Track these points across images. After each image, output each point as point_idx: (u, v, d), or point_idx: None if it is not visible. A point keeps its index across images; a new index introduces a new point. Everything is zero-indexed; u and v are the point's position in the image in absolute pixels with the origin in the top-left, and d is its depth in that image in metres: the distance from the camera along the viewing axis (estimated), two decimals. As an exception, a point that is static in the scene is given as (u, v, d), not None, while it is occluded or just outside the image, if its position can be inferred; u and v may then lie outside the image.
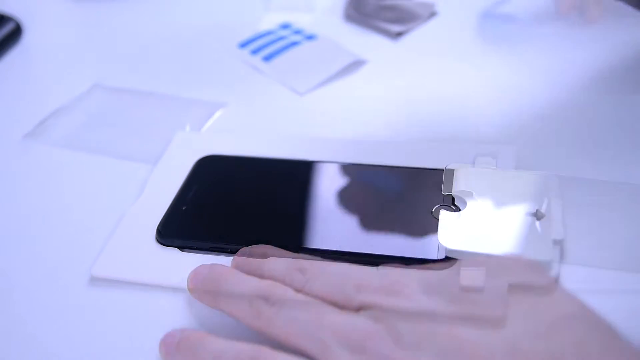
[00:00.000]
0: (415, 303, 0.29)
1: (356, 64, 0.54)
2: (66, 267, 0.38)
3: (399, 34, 0.58)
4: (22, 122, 0.51)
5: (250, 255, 0.34)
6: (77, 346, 0.33)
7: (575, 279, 0.33)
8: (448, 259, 0.34)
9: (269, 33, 0.59)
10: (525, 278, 0.30)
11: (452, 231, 0.34)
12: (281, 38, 0.58)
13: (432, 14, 0.61)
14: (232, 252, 0.36)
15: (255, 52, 0.57)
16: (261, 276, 0.33)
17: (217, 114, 0.50)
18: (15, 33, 0.62)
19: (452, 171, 0.38)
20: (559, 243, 0.33)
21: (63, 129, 0.50)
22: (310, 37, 0.58)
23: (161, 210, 0.40)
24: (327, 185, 0.41)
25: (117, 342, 0.33)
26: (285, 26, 0.61)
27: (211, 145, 0.45)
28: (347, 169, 0.41)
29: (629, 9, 0.47)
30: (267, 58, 0.56)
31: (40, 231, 0.41)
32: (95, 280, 0.36)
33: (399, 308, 0.29)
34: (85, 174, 0.45)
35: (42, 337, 0.34)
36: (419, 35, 0.58)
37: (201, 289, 0.33)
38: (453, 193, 0.37)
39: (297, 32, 0.59)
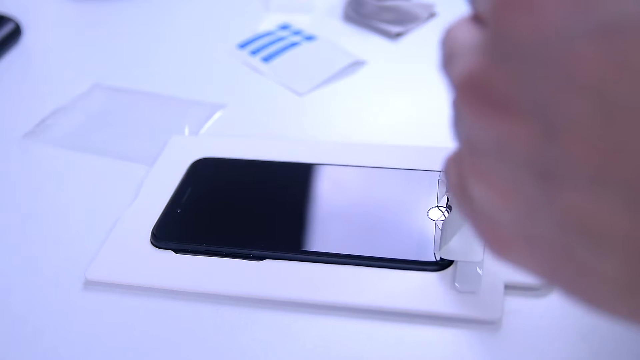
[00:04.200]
0: None
1: (355, 65, 0.55)
2: (61, 270, 0.38)
3: (398, 35, 0.58)
4: (22, 122, 0.51)
5: None
6: (72, 349, 0.33)
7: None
8: (444, 260, 0.34)
9: (268, 34, 0.59)
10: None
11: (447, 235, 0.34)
12: (280, 39, 0.58)
13: (432, 15, 0.61)
14: (227, 255, 0.36)
15: (254, 52, 0.57)
16: None
17: (217, 115, 0.50)
18: (15, 33, 0.62)
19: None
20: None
21: (63, 128, 0.50)
22: (309, 38, 0.58)
23: (156, 213, 0.39)
24: (323, 187, 0.41)
25: (112, 346, 0.33)
26: (284, 27, 0.61)
27: (207, 148, 0.45)
28: (344, 171, 0.41)
29: None
30: (267, 59, 0.56)
31: (37, 232, 0.41)
32: (89, 284, 0.36)
33: None
34: (84, 175, 0.45)
35: (36, 340, 0.34)
36: (418, 36, 0.58)
37: None
38: (448, 194, 0.37)
39: (297, 32, 0.59)
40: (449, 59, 0.20)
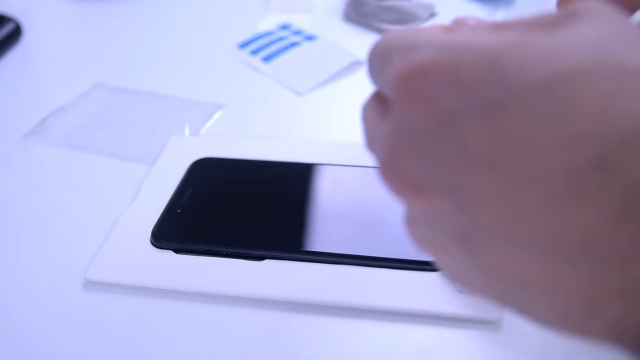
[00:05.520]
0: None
1: (356, 65, 0.55)
2: (61, 270, 0.37)
3: (398, 35, 0.58)
4: (23, 122, 0.51)
5: None
6: (73, 349, 0.33)
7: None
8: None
9: (268, 34, 0.59)
10: None
11: None
12: (281, 39, 0.58)
13: (432, 15, 0.60)
14: (228, 255, 0.36)
15: (254, 52, 0.57)
16: None
17: (217, 115, 0.50)
18: (15, 33, 0.62)
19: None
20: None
21: (63, 128, 0.50)
22: (309, 38, 0.58)
23: (156, 213, 0.39)
24: (323, 187, 0.41)
25: (112, 345, 0.33)
26: (284, 27, 0.61)
27: (207, 148, 0.45)
28: (344, 171, 0.41)
29: None
30: (267, 59, 0.56)
31: (37, 232, 0.41)
32: (90, 284, 0.36)
33: None
34: (84, 174, 0.45)
35: (36, 341, 0.34)
36: (418, 36, 0.58)
37: None
38: None
39: (297, 32, 0.59)
40: (368, 142, 0.23)
